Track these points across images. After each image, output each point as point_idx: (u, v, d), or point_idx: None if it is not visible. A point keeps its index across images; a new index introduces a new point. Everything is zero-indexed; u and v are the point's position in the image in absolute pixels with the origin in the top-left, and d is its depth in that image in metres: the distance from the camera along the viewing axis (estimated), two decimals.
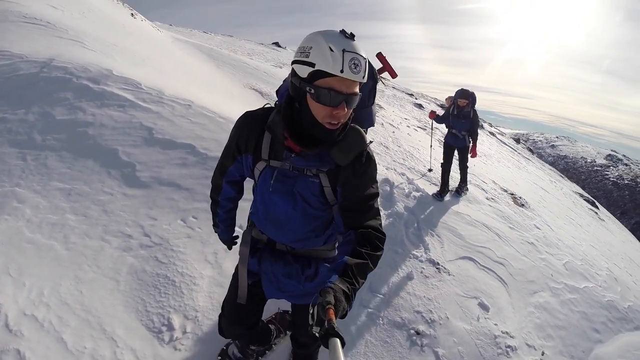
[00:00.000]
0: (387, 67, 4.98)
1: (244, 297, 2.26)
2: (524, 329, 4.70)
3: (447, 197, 7.13)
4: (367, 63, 1.65)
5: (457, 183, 7.86)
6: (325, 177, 1.91)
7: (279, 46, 24.60)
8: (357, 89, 1.67)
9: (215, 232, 2.56)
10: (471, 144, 7.55)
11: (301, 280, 2.15)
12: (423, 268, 4.76)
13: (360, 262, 1.67)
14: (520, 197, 9.64)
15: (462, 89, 7.25)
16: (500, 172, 12.02)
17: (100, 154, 4.94)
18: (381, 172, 7.03)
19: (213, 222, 2.50)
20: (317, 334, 1.40)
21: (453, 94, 7.48)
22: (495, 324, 4.40)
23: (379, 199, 1.95)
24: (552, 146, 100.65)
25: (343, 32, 1.63)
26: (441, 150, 8.02)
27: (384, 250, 1.82)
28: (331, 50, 1.56)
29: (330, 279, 1.56)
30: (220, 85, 9.28)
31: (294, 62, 1.72)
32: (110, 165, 4.81)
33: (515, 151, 19.74)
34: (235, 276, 2.33)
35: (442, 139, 8.94)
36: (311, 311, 1.80)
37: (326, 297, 1.44)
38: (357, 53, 1.59)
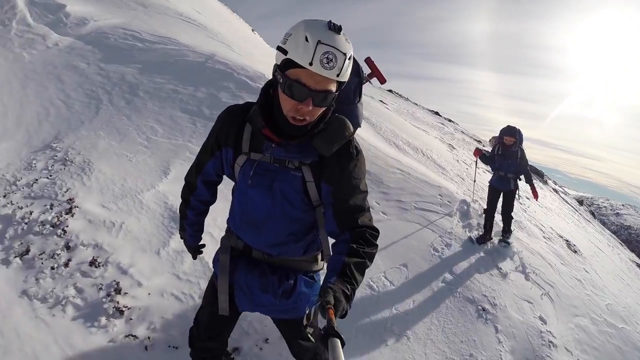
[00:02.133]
0: (376, 72, 5.54)
1: (226, 309, 2.08)
2: (564, 337, 5.23)
3: (488, 246, 6.46)
4: (346, 60, 1.50)
5: (500, 232, 6.92)
6: (309, 170, 1.81)
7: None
8: (329, 87, 1.54)
9: (181, 237, 2.42)
10: (529, 187, 7.05)
11: (277, 294, 2.00)
12: (490, 267, 5.73)
13: (358, 260, 1.68)
14: (574, 245, 9.54)
15: (508, 125, 6.69)
16: (559, 223, 12.07)
17: None
18: (460, 194, 7.75)
19: (180, 226, 2.36)
20: (310, 336, 1.49)
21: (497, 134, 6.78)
22: (542, 324, 5.09)
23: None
24: (617, 214, 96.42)
25: (329, 23, 1.50)
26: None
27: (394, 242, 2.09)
28: (306, 40, 1.44)
29: (329, 279, 1.58)
30: None
31: (277, 48, 1.61)
32: None
33: (577, 211, 19.33)
34: (212, 286, 2.21)
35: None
36: (307, 311, 1.91)
37: (326, 297, 1.45)
38: (333, 47, 1.45)
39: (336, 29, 1.48)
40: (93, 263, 3.82)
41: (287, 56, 1.49)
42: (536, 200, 7.36)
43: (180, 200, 2.25)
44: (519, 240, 6.93)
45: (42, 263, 3.79)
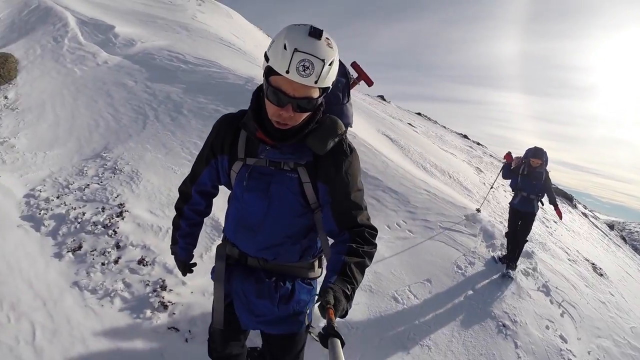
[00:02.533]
0: (362, 75, 5.52)
1: (220, 322, 2.08)
2: (584, 357, 5.25)
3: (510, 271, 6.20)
4: (325, 67, 1.49)
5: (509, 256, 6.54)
6: (304, 170, 1.82)
7: (384, 99, 25.32)
8: (309, 93, 1.56)
9: (172, 252, 2.35)
10: (554, 208, 6.89)
11: (275, 300, 1.98)
12: (511, 286, 5.79)
13: (358, 260, 1.69)
14: (600, 268, 9.45)
15: (535, 147, 6.62)
16: (586, 247, 11.75)
17: None
18: (485, 215, 7.45)
19: (172, 238, 2.30)
20: (314, 337, 1.42)
21: (526, 158, 6.61)
22: (562, 342, 5.14)
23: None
24: None
25: (310, 28, 1.51)
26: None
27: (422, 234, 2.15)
28: (284, 47, 1.46)
29: (329, 279, 1.59)
30: (363, 126, 10.91)
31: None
32: None
33: (607, 236, 18.78)
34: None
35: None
36: (307, 311, 1.93)
37: (326, 297, 1.46)
38: (310, 54, 1.45)
39: (317, 34, 1.49)
40: (141, 262, 4.17)
41: (269, 63, 1.53)
42: (560, 220, 7.31)
43: (175, 213, 2.24)
44: (542, 262, 6.99)
45: (93, 259, 4.17)
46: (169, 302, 3.79)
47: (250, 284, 1.98)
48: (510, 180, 6.93)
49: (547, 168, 6.62)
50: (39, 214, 4.70)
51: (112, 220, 4.66)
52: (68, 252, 4.20)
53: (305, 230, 1.96)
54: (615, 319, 6.65)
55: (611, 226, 26.74)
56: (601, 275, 8.95)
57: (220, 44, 11.30)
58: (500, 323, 4.94)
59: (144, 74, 8.58)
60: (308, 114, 1.66)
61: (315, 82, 1.49)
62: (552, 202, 6.77)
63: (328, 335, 1.34)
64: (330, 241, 1.94)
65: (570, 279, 7.06)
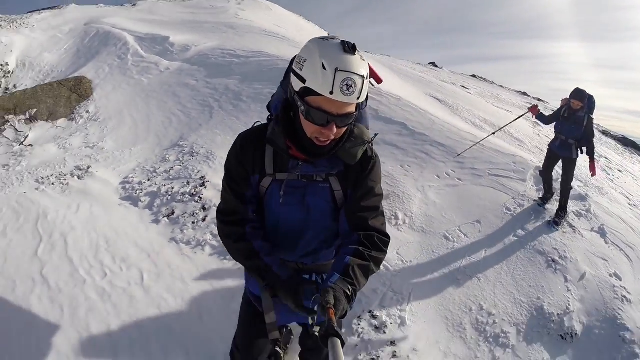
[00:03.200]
0: (372, 74, 5.57)
1: (276, 333, 1.98)
2: None
3: (548, 206, 6.29)
4: (364, 82, 1.50)
5: (555, 209, 6.37)
6: (336, 180, 1.84)
7: (436, 66, 24.72)
8: (350, 109, 1.55)
9: (267, 284, 1.85)
10: (588, 160, 6.47)
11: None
12: (563, 226, 5.84)
13: (362, 263, 1.68)
14: None
15: (578, 88, 6.21)
16: None
17: None
18: (535, 162, 7.58)
19: (256, 274, 1.87)
20: (317, 334, 1.47)
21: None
22: (616, 280, 5.05)
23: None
24: None
25: (343, 44, 1.48)
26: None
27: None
28: (323, 67, 1.43)
29: (331, 279, 1.60)
30: (410, 91, 11.24)
31: (291, 70, 1.61)
32: None
33: None
34: (248, 305, 2.20)
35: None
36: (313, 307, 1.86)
37: (326, 297, 1.47)
38: (352, 72, 1.44)
39: (351, 49, 1.46)
40: None
41: (306, 85, 1.48)
42: (593, 176, 6.65)
43: (234, 260, 2.03)
44: (598, 204, 6.79)
45: (184, 220, 5.01)
46: None
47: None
48: (554, 124, 6.65)
49: (594, 116, 6.35)
50: (135, 194, 5.60)
51: (196, 190, 5.45)
52: (163, 217, 5.04)
53: (337, 233, 1.99)
54: None
55: None
56: None
57: (265, 35, 12.04)
58: (549, 258, 5.06)
59: (203, 73, 9.41)
60: (347, 127, 1.67)
61: (357, 99, 1.49)
62: (590, 153, 6.29)
63: (328, 335, 1.39)
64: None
65: (629, 221, 6.79)
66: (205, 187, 5.53)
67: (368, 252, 1.73)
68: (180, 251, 4.51)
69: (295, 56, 1.61)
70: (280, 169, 1.79)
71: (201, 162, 6.20)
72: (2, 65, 10.72)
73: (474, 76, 26.30)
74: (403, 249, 4.87)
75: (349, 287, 1.60)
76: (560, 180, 6.25)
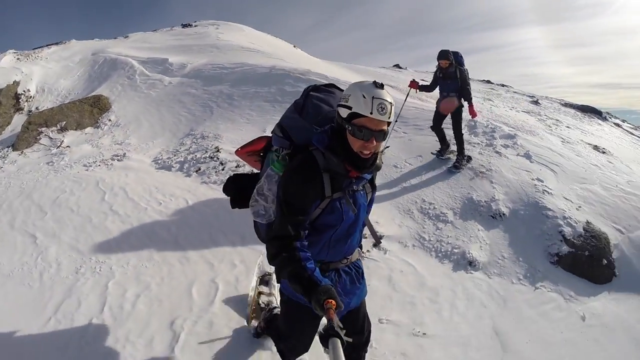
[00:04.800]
0: (470, 110, 6.69)
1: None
2: (564, 192, 6.28)
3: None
4: (392, 106, 1.99)
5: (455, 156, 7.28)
6: (369, 185, 2.41)
7: (400, 67, 24.97)
8: (384, 127, 2.01)
9: (310, 296, 1.92)
10: (467, 105, 7.19)
11: (361, 280, 2.56)
12: (490, 153, 7.36)
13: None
14: (604, 149, 9.77)
15: (441, 50, 7.10)
16: (599, 140, 11.35)
17: None
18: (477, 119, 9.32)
19: (298, 286, 2.01)
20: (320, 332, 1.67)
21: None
22: (539, 182, 6.39)
23: None
24: None
25: (374, 83, 2.00)
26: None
27: None
28: (364, 97, 1.93)
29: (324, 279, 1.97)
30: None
31: (338, 106, 2.09)
32: None
33: None
34: (297, 312, 2.45)
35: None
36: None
37: (329, 297, 1.78)
38: (383, 99, 1.94)
39: (381, 86, 1.98)
40: (237, 167, 6.90)
41: (352, 110, 1.96)
42: (473, 118, 7.47)
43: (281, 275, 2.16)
44: (527, 140, 8.20)
45: (209, 171, 7.03)
46: None
47: (344, 281, 2.46)
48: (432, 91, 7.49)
49: (465, 68, 7.10)
50: (167, 164, 7.58)
51: (214, 154, 7.49)
52: (193, 172, 7.05)
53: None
54: (608, 175, 7.40)
55: None
56: (604, 152, 9.40)
57: (243, 50, 14.33)
58: (478, 172, 6.70)
59: (200, 82, 11.49)
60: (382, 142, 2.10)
61: (389, 118, 1.97)
62: (467, 99, 7.08)
63: (328, 335, 1.54)
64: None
65: (558, 150, 8.10)
66: (220, 152, 7.55)
67: None
68: (210, 187, 6.53)
69: (310, 86, 2.47)
70: (336, 189, 2.17)
71: (212, 140, 8.21)
72: (24, 91, 12.61)
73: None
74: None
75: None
76: (453, 132, 7.16)
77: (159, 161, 7.82)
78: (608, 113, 20.68)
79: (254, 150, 2.81)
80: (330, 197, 2.15)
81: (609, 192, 6.63)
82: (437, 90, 7.42)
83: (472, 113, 7.16)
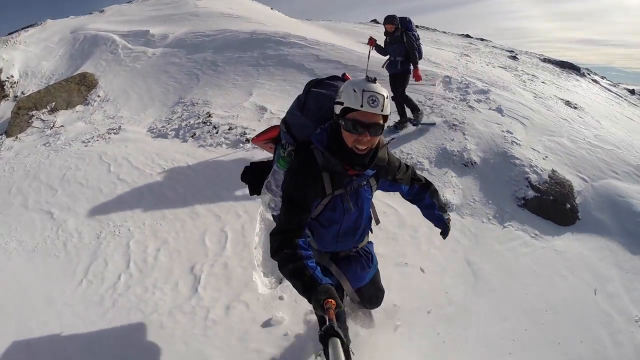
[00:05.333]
0: (416, 74, 7.12)
1: (354, 296, 2.78)
2: (531, 143, 6.66)
3: (404, 131, 7.39)
4: (385, 99, 1.98)
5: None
6: (374, 179, 2.41)
7: (378, 23, 24.29)
8: (378, 120, 2.00)
9: (313, 297, 1.87)
10: (412, 69, 7.25)
11: (370, 265, 2.74)
12: (464, 108, 7.83)
13: (433, 193, 2.85)
14: (576, 104, 10.12)
15: (387, 15, 7.24)
16: (571, 95, 11.89)
17: (295, 65, 9.84)
18: (444, 73, 9.96)
19: (299, 286, 1.98)
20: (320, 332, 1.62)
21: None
22: (508, 134, 6.82)
23: None
24: None
25: (367, 77, 2.01)
26: None
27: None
28: (354, 91, 1.94)
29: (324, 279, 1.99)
30: (344, 41, 13.48)
31: (334, 103, 2.10)
32: (301, 69, 9.65)
33: (621, 97, 17.18)
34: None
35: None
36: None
37: (329, 296, 1.79)
38: (374, 92, 1.94)
39: (373, 80, 1.99)
40: (230, 129, 7.33)
41: (344, 105, 1.97)
42: (418, 81, 7.41)
43: (284, 269, 2.08)
44: (499, 95, 8.61)
45: (204, 135, 7.42)
46: (249, 139, 6.93)
47: (353, 262, 2.66)
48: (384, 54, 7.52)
49: (414, 32, 7.23)
50: (163, 132, 7.94)
51: (206, 119, 7.87)
52: (189, 137, 7.44)
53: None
54: (576, 128, 7.79)
55: (631, 91, 23.24)
56: (575, 107, 9.81)
57: (223, 17, 14.36)
58: (451, 124, 7.18)
59: (183, 52, 11.69)
60: (379, 138, 2.13)
61: (382, 111, 1.96)
62: (413, 63, 7.16)
63: (328, 335, 1.56)
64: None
65: (529, 104, 8.55)
66: (212, 117, 7.94)
67: (429, 187, 2.80)
68: (207, 150, 6.95)
69: (311, 81, 2.46)
70: (337, 187, 2.21)
71: (202, 106, 8.58)
72: (8, 77, 12.66)
73: (417, 26, 26.09)
74: None
75: (445, 213, 2.82)
76: (397, 93, 7.30)
77: (154, 130, 8.17)
78: (587, 69, 21.16)
79: (269, 138, 2.90)
80: (332, 194, 2.22)
81: (576, 144, 7.03)
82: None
83: (417, 77, 7.22)
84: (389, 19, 7.09)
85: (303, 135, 2.31)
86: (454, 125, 7.19)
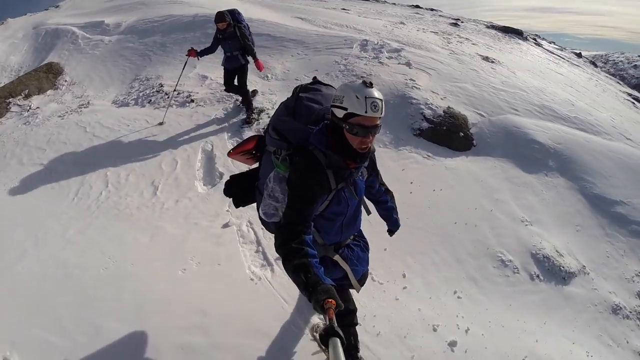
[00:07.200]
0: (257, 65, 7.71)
1: (358, 287, 2.90)
2: (433, 88, 7.77)
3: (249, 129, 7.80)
4: (382, 102, 2.17)
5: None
6: (366, 171, 2.69)
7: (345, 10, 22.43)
8: (378, 122, 2.20)
9: (315, 296, 1.93)
10: (253, 61, 7.59)
11: (368, 247, 3.06)
12: (374, 64, 9.77)
13: (392, 200, 3.27)
14: (494, 59, 11.03)
15: (217, 12, 7.26)
16: (500, 55, 12.74)
17: None
18: (363, 38, 12.10)
19: (304, 283, 2.03)
20: (316, 333, 1.73)
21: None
22: (410, 81, 8.09)
23: None
24: (635, 66, 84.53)
25: (364, 82, 2.17)
26: None
27: None
28: (357, 97, 2.10)
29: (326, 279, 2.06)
30: (277, 16, 14.82)
31: (332, 106, 2.25)
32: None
33: (563, 59, 18.17)
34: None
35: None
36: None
37: (329, 296, 1.86)
38: (375, 98, 2.12)
39: (371, 85, 2.19)
40: (178, 94, 9.29)
41: (348, 111, 2.16)
42: (261, 71, 7.87)
43: (287, 260, 2.17)
44: (411, 52, 9.88)
45: (158, 100, 9.36)
46: (196, 97, 8.92)
47: (356, 251, 2.91)
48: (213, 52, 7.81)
49: (244, 24, 7.65)
50: (124, 102, 9.82)
51: (159, 89, 9.79)
52: (146, 103, 9.37)
53: None
54: (484, 77, 8.68)
55: (594, 63, 24.99)
56: (492, 62, 10.58)
57: (170, 3, 15.95)
58: (359, 75, 8.76)
59: (135, 37, 13.36)
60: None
61: (381, 114, 2.18)
62: (250, 54, 7.51)
63: (328, 335, 1.61)
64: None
65: (440, 59, 9.42)
66: (163, 87, 9.85)
67: (390, 192, 3.21)
68: (161, 110, 8.76)
69: (297, 87, 2.68)
70: (339, 180, 2.42)
71: (155, 80, 10.41)
72: None
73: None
74: (271, 88, 9.33)
75: (397, 216, 3.29)
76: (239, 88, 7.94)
77: (118, 102, 9.98)
78: (537, 35, 22.43)
79: (246, 150, 2.93)
80: (336, 189, 2.42)
81: (479, 88, 7.93)
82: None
83: (259, 67, 7.61)
84: (220, 17, 7.15)
85: (299, 138, 2.46)
86: (361, 76, 8.61)
